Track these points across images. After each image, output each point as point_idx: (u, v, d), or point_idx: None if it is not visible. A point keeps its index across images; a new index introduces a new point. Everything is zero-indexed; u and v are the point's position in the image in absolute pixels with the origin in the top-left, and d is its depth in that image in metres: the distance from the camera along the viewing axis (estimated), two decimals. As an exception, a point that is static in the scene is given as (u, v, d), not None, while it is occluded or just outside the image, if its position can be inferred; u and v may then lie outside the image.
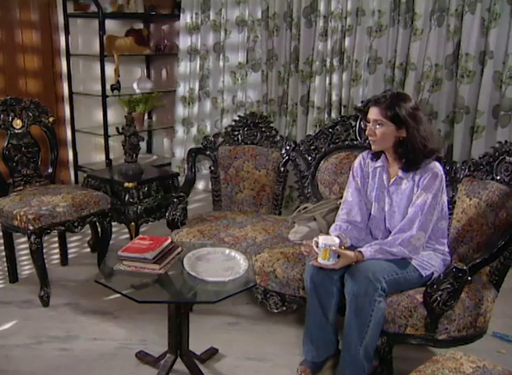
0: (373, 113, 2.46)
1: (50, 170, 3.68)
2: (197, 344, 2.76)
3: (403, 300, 2.41)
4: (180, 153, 5.61)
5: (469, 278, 2.33)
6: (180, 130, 5.57)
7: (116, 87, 5.24)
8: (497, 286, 2.59)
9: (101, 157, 5.67)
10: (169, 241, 2.61)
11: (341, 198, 2.93)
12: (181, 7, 5.29)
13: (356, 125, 3.27)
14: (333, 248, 2.37)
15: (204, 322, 3.11)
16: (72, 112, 5.41)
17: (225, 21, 5.07)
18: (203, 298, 2.37)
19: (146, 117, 5.92)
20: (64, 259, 3.79)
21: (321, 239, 2.40)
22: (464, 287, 2.34)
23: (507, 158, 2.70)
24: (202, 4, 5.17)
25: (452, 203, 2.82)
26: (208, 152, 3.61)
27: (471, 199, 2.75)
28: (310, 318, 2.58)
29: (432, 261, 2.52)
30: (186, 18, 5.29)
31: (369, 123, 2.49)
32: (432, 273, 2.51)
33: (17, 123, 3.50)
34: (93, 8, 5.03)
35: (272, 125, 3.63)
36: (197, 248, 2.63)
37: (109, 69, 5.19)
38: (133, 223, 3.65)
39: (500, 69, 3.73)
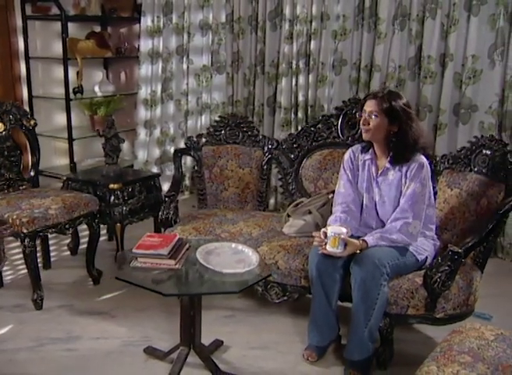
0: (370, 105, 2.66)
1: (32, 174, 3.65)
2: (207, 336, 2.84)
3: (404, 283, 2.61)
4: (143, 155, 5.63)
5: (463, 260, 2.56)
6: (142, 133, 5.59)
7: (79, 90, 5.22)
8: (481, 267, 2.84)
9: (62, 161, 5.63)
10: (178, 237, 2.70)
11: (332, 192, 3.12)
12: (142, 10, 5.33)
13: (338, 123, 3.46)
14: (342, 236, 2.54)
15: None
16: (32, 116, 5.31)
17: (189, 24, 5.16)
18: (226, 289, 2.47)
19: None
20: (47, 263, 3.77)
21: (330, 229, 2.56)
22: (459, 269, 2.57)
23: (483, 151, 2.96)
24: (164, 7, 5.24)
25: (433, 194, 3.05)
26: (191, 152, 3.70)
27: (452, 190, 3.00)
28: (315, 305, 2.74)
29: (424, 246, 2.74)
30: (147, 21, 5.33)
31: (364, 113, 2.67)
32: (426, 258, 2.73)
33: (-1, 127, 3.47)
34: (54, 10, 4.99)
35: (253, 125, 3.77)
36: (203, 244, 2.73)
37: (69, 72, 5.16)
38: (118, 224, 3.69)
39: (460, 71, 4.03)
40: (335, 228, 2.58)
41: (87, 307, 3.32)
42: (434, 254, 2.77)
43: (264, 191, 3.67)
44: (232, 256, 2.65)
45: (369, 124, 2.65)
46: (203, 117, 5.31)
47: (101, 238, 4.18)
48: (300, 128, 4.51)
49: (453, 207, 2.98)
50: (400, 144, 2.64)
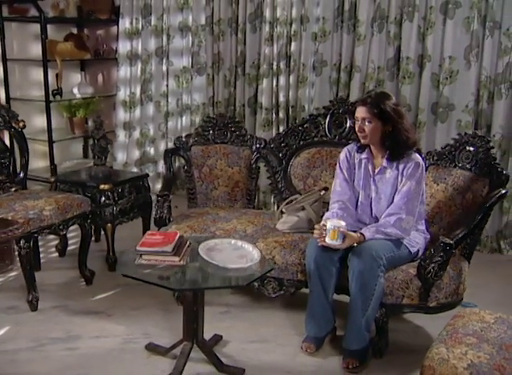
0: (361, 112, 2.76)
1: (21, 176, 3.65)
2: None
3: (399, 274, 2.73)
4: (122, 157, 5.64)
5: (453, 251, 2.70)
6: (121, 134, 5.60)
7: (58, 92, 5.21)
8: (468, 259, 2.99)
9: (40, 163, 5.59)
10: (179, 234, 2.76)
11: (324, 189, 3.23)
12: (120, 12, 5.35)
13: (325, 122, 3.56)
14: (341, 229, 2.64)
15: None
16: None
17: (168, 26, 5.21)
18: (233, 283, 2.54)
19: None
20: (37, 264, 3.76)
21: (330, 222, 2.67)
22: (450, 259, 2.70)
23: (467, 147, 3.11)
24: (143, 9, 5.27)
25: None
26: (181, 152, 3.75)
27: (438, 185, 3.14)
28: (312, 297, 2.83)
29: (416, 239, 2.86)
30: (125, 23, 5.35)
31: (357, 121, 2.78)
32: (418, 250, 2.86)
33: (-14, 128, 3.46)
34: (32, 12, 4.97)
35: (241, 125, 3.85)
36: (203, 241, 2.79)
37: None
38: (109, 225, 3.71)
39: (437, 71, 4.20)
40: (334, 221, 2.68)
41: (82, 307, 3.35)
42: (424, 246, 2.90)
43: (254, 189, 3.75)
44: (234, 252, 2.72)
45: (364, 130, 2.76)
46: (183, 118, 5.36)
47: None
48: (282, 128, 4.69)
49: (439, 201, 3.12)
50: (395, 141, 2.76)
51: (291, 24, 4.64)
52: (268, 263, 2.70)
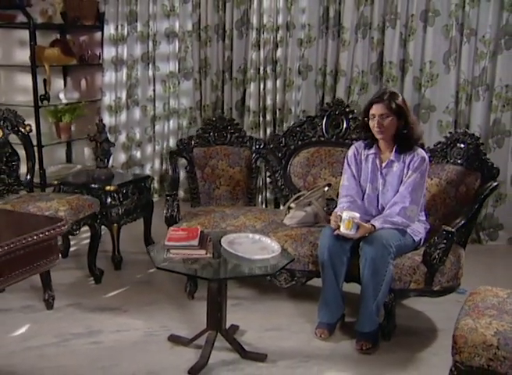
0: (379, 109, 2.99)
1: (29, 178, 3.73)
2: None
3: (406, 261, 2.96)
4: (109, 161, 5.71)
5: (455, 238, 2.95)
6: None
7: (45, 97, 5.26)
8: (464, 246, 3.25)
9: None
10: (200, 230, 2.92)
11: (328, 185, 3.44)
12: (105, 18, 5.45)
13: (322, 123, 3.78)
14: (355, 220, 2.86)
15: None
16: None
17: (154, 32, 5.34)
18: (262, 272, 2.72)
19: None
20: (44, 266, 3.83)
21: (345, 213, 2.88)
22: (452, 246, 2.95)
23: (458, 144, 3.39)
24: (128, 16, 5.39)
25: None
26: (183, 154, 3.90)
27: (432, 179, 3.39)
28: (326, 285, 3.04)
29: (419, 229, 3.11)
30: (110, 29, 5.45)
31: (374, 117, 3.01)
32: (420, 239, 3.10)
33: (-3, 133, 3.53)
34: (20, 18, 5.02)
35: (239, 127, 4.03)
36: (222, 235, 2.96)
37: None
38: (115, 225, 3.82)
39: (418, 75, 4.49)
40: (349, 213, 2.90)
41: (96, 304, 3.45)
42: (425, 236, 3.15)
43: (254, 187, 3.94)
44: (254, 245, 2.90)
45: (383, 126, 2.99)
46: (171, 122, 5.50)
47: (86, 241, 4.32)
48: (269, 130, 4.90)
49: (434, 194, 3.37)
50: (405, 135, 3.01)
51: (277, 30, 4.86)
52: (289, 254, 2.89)
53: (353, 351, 2.96)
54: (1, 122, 3.56)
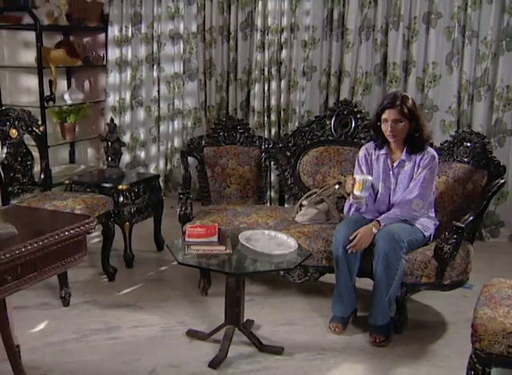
0: (392, 114, 3.06)
1: (42, 178, 3.79)
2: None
3: (418, 256, 3.05)
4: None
5: (464, 233, 3.04)
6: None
7: (51, 98, 5.31)
8: (471, 242, 3.34)
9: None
10: (218, 226, 3.00)
11: (338, 183, 3.53)
12: (109, 20, 5.51)
13: (331, 123, 3.86)
14: (367, 183, 3.00)
15: (220, 302, 3.39)
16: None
17: (159, 34, 5.40)
18: (283, 266, 2.80)
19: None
20: (56, 264, 3.88)
21: (358, 176, 3.04)
22: (462, 241, 3.05)
23: (464, 143, 3.48)
24: (132, 17, 5.45)
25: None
26: (194, 153, 3.97)
27: (439, 177, 3.48)
28: (340, 280, 3.12)
29: (429, 225, 3.20)
30: (114, 31, 5.52)
31: (386, 122, 3.09)
32: (430, 235, 3.19)
33: (13, 133, 3.58)
34: (26, 20, 5.07)
35: (248, 127, 4.10)
36: (239, 232, 3.03)
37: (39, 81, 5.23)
38: (127, 223, 3.88)
39: (421, 76, 4.59)
40: (363, 175, 3.06)
41: (111, 301, 3.51)
42: (434, 232, 3.24)
43: (264, 186, 4.02)
44: (270, 241, 2.99)
45: (396, 130, 3.08)
46: (175, 122, 5.56)
47: (97, 239, 4.37)
48: (274, 130, 4.99)
49: (441, 192, 3.46)
50: (418, 136, 3.09)
51: (282, 32, 4.94)
52: (306, 250, 2.97)
53: (366, 344, 3.05)
54: (16, 122, 3.60)
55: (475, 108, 4.48)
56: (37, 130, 3.73)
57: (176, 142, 5.59)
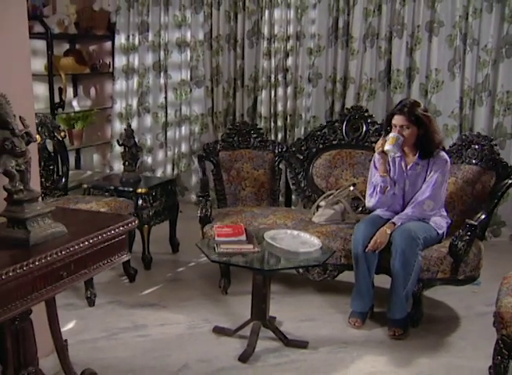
0: (399, 120, 3.23)
1: (63, 182, 3.89)
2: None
3: (434, 253, 3.20)
4: (119, 166, 5.87)
5: (477, 231, 3.21)
6: (118, 145, 5.84)
7: (61, 105, 5.41)
8: (481, 239, 3.51)
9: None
10: (244, 226, 3.13)
11: (353, 185, 3.68)
12: (116, 28, 5.63)
13: (343, 127, 4.02)
14: (399, 140, 3.19)
15: (241, 300, 3.58)
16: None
17: (166, 42, 5.53)
18: (311, 263, 2.94)
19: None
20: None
21: (392, 133, 3.21)
22: (475, 238, 3.21)
23: (472, 146, 3.65)
24: (140, 26, 5.58)
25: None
26: (210, 158, 4.10)
27: (449, 178, 3.64)
28: (359, 277, 3.26)
29: (442, 223, 3.36)
30: (121, 39, 5.64)
31: (395, 127, 3.25)
32: (443, 233, 3.35)
33: (37, 138, 3.67)
34: (36, 28, 5.16)
35: (262, 131, 4.24)
36: (263, 232, 3.17)
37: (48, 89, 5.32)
38: (146, 226, 3.99)
39: (424, 82, 4.77)
40: (396, 134, 3.22)
41: (135, 301, 3.62)
42: (447, 230, 3.40)
43: (278, 189, 4.16)
44: (294, 240, 3.12)
45: (403, 135, 3.23)
46: (182, 128, 5.68)
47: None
48: (280, 135, 5.11)
49: (451, 192, 3.63)
50: (426, 142, 3.25)
51: (288, 40, 5.10)
52: (330, 248, 3.11)
53: (386, 337, 3.19)
54: (39, 128, 3.70)
55: (477, 112, 4.67)
56: (58, 136, 3.83)
57: (184, 147, 5.70)
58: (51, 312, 2.40)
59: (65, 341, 2.45)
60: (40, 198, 2.24)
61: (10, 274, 1.85)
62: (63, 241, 2.17)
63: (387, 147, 3.19)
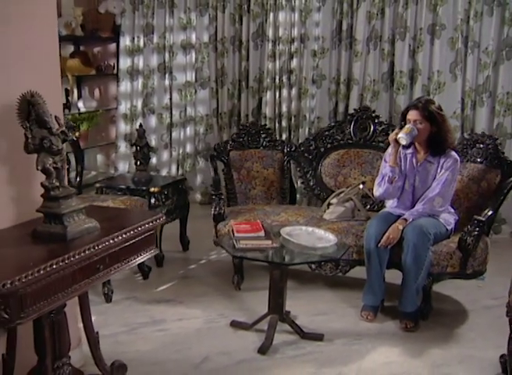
0: (413, 115, 3.35)
1: (77, 181, 3.96)
2: (264, 311, 3.29)
3: (443, 248, 3.32)
4: (124, 167, 5.97)
5: (485, 226, 3.33)
6: (123, 146, 5.94)
7: (67, 106, 5.48)
8: (487, 235, 3.63)
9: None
10: (261, 223, 3.23)
11: (363, 183, 3.79)
12: (121, 30, 5.72)
13: (350, 127, 4.13)
14: (413, 132, 3.29)
15: (254, 296, 3.67)
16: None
17: (171, 44, 5.62)
18: (328, 258, 3.05)
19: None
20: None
21: (408, 124, 3.33)
22: (482, 233, 3.33)
23: (477, 145, 3.78)
24: (144, 28, 5.66)
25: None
26: (221, 157, 4.19)
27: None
28: (371, 272, 3.36)
29: (450, 219, 3.47)
30: (125, 41, 5.73)
31: (409, 122, 3.36)
32: (451, 229, 3.47)
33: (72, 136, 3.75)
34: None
35: (271, 132, 4.35)
36: (279, 228, 3.27)
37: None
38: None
39: (427, 83, 4.90)
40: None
41: (150, 297, 3.70)
42: (454, 225, 3.52)
43: (287, 187, 4.25)
44: (310, 236, 3.22)
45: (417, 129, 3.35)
46: (187, 129, 5.76)
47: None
48: (285, 135, 5.21)
49: (457, 190, 3.73)
50: (438, 140, 3.36)
51: (292, 42, 5.21)
52: (344, 244, 3.21)
53: (397, 330, 3.30)
54: (55, 128, 3.77)
55: (478, 113, 4.81)
56: (72, 136, 3.90)
57: (188, 148, 5.79)
58: (84, 304, 2.47)
59: (97, 333, 2.52)
60: (74, 195, 2.31)
61: (54, 267, 1.94)
62: (97, 236, 2.25)
63: (400, 134, 3.30)
